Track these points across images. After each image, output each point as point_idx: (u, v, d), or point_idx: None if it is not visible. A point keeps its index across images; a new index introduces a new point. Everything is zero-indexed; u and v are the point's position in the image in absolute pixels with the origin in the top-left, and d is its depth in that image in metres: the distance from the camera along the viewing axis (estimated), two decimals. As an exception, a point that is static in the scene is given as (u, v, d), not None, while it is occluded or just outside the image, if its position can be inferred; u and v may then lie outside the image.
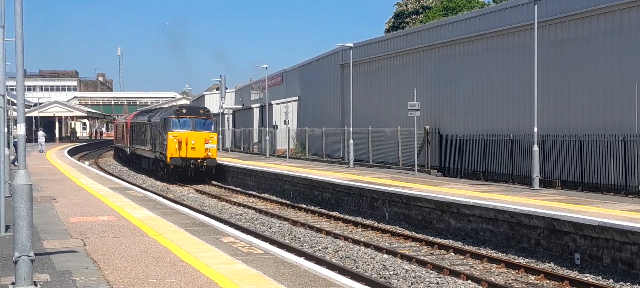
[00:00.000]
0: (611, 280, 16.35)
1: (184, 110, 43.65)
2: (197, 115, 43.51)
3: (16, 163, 15.10)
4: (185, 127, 42.05)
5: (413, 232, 23.47)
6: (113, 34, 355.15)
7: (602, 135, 27.86)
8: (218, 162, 45.77)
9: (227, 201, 33.61)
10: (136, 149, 55.75)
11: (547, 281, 16.64)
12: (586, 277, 16.75)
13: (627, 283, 16.00)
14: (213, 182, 43.79)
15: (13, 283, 11.35)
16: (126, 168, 59.19)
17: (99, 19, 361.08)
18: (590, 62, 29.41)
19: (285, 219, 26.81)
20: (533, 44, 27.48)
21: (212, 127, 44.01)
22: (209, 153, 42.13)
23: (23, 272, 11.32)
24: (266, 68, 63.64)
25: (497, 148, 33.66)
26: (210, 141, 42.39)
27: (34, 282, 11.37)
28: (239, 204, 32.33)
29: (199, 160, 41.72)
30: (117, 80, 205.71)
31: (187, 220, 19.85)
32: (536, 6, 27.48)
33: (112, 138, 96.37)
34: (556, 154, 30.05)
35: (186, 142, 41.08)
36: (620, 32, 27.91)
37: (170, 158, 41.22)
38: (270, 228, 24.75)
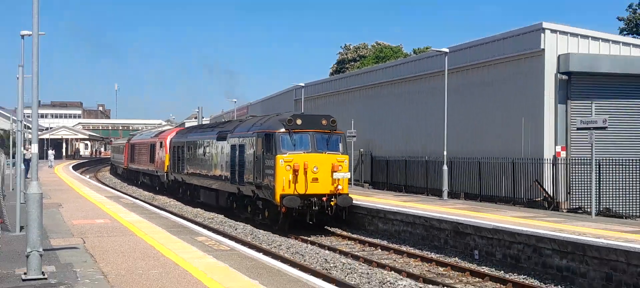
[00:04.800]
0: (502, 271, 16.54)
1: (299, 121, 22.78)
2: (319, 128, 22.94)
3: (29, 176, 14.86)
4: (302, 146, 22.51)
5: (349, 233, 23.42)
6: (113, 71, 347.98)
7: (496, 158, 28.39)
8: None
9: (202, 207, 32.41)
10: (186, 178, 35.06)
11: (453, 272, 16.77)
12: (483, 268, 16.92)
13: (515, 274, 16.21)
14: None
15: (25, 273, 11.20)
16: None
17: (101, 58, 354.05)
18: (487, 101, 29.98)
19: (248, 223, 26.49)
20: (443, 86, 27.99)
21: (341, 145, 23.28)
22: (339, 187, 22.35)
23: (33, 264, 11.18)
24: (235, 101, 63.84)
25: (415, 167, 33.97)
26: (341, 168, 22.44)
27: (42, 272, 11.24)
28: (216, 216, 31.47)
29: (324, 198, 22.09)
30: (114, 109, 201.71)
31: (168, 223, 19.67)
32: (446, 58, 28.05)
33: (108, 157, 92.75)
34: (460, 172, 30.46)
35: (305, 171, 21.87)
36: (511, 79, 28.56)
37: (281, 196, 21.75)
38: (235, 230, 24.37)
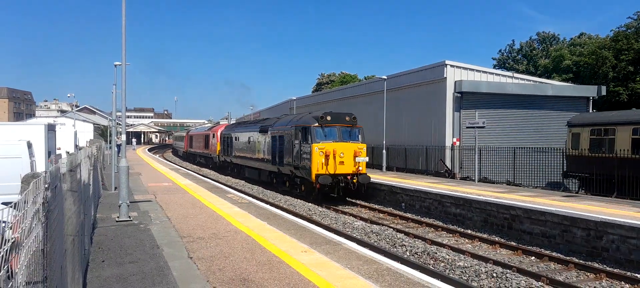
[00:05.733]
0: (419, 217, 16.63)
1: (328, 118, 19.39)
2: (343, 122, 19.44)
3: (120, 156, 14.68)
4: (331, 137, 19.04)
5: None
6: (171, 88, 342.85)
7: (416, 145, 28.42)
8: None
9: (232, 176, 32.14)
10: (234, 159, 30.94)
11: (389, 216, 16.80)
12: (407, 214, 17.00)
13: (427, 218, 16.30)
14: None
15: (118, 217, 11.09)
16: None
17: (162, 77, 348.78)
18: (411, 110, 29.97)
19: (260, 185, 26.27)
20: (383, 100, 27.98)
21: (360, 136, 19.54)
22: (360, 168, 18.98)
23: (123, 211, 11.07)
24: (252, 108, 63.37)
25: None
26: (361, 153, 18.97)
27: (129, 216, 11.13)
28: (239, 181, 31.31)
29: (348, 177, 18.76)
30: (174, 112, 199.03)
31: (209, 185, 19.55)
32: (385, 82, 28.06)
33: (170, 143, 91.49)
34: (394, 154, 30.38)
35: (334, 156, 18.66)
36: (425, 95, 28.58)
37: (316, 175, 18.50)
38: (252, 189, 24.16)
